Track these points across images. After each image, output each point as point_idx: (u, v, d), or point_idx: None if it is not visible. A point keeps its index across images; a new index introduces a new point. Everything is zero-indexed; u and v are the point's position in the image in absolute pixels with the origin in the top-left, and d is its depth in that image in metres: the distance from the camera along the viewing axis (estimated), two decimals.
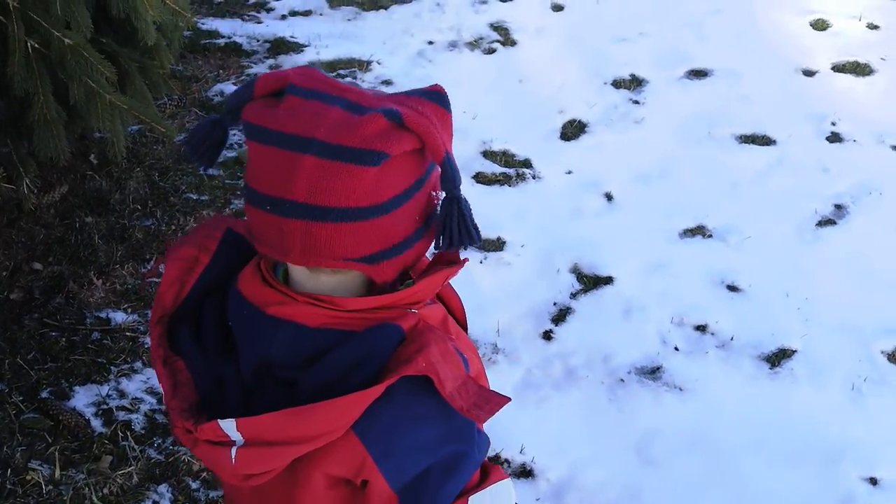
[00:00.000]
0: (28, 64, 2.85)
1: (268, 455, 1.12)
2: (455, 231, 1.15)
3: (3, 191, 2.93)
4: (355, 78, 4.41)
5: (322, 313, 1.14)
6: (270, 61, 4.55)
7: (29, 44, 2.84)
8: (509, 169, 3.84)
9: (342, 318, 1.15)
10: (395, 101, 1.16)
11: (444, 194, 1.16)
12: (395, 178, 1.13)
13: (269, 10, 5.01)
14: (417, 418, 1.16)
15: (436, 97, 1.24)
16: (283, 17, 4.94)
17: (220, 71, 4.44)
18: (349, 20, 4.92)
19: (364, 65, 4.51)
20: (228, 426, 1.11)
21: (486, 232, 3.48)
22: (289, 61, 4.53)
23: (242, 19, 4.90)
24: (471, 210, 1.16)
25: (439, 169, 1.15)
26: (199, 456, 1.19)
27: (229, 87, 4.29)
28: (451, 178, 1.14)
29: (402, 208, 1.15)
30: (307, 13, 4.99)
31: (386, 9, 5.01)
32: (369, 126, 1.09)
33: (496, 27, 4.83)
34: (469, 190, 3.62)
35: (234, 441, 1.12)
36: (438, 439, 1.17)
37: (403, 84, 4.35)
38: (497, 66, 4.55)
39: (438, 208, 1.17)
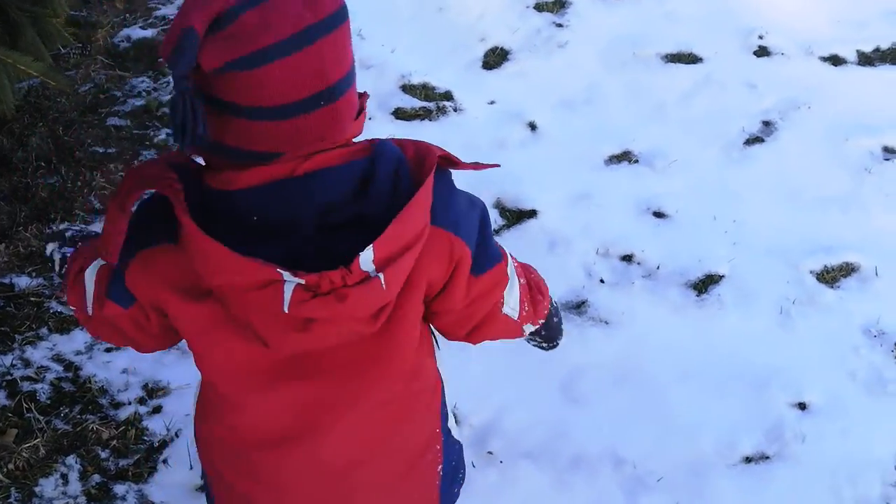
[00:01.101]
0: None
1: (399, 268, 1.22)
2: None
3: None
4: None
5: (337, 153, 1.23)
6: (179, 1, 4.35)
7: None
8: (429, 102, 3.72)
9: (350, 149, 1.24)
10: None
11: None
12: (345, 37, 1.24)
13: None
14: (453, 189, 1.36)
15: None
16: None
17: (127, 15, 4.24)
18: None
19: None
20: (366, 256, 1.18)
21: None
22: None
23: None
24: None
25: None
26: (322, 315, 1.23)
27: (137, 32, 4.10)
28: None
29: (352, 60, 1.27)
30: None
31: None
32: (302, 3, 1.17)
33: None
34: (388, 126, 3.53)
35: (368, 274, 1.19)
36: (469, 200, 1.38)
37: None
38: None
39: None
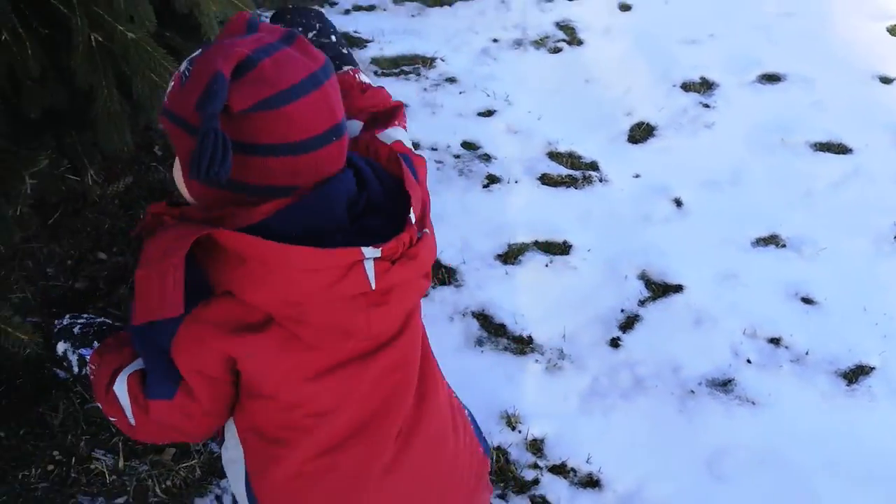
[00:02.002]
0: (91, 58, 2.82)
1: (430, 224, 1.48)
2: None
3: (69, 182, 2.92)
4: (419, 74, 4.36)
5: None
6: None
7: (93, 37, 2.81)
8: (575, 171, 3.77)
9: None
10: (278, 33, 1.39)
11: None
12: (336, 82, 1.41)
13: (332, 5, 4.98)
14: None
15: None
16: (347, 11, 4.90)
17: None
18: (413, 16, 4.87)
19: (428, 61, 4.45)
20: (411, 217, 1.39)
21: (552, 235, 3.42)
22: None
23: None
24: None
25: None
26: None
27: None
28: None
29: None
30: (371, 8, 4.94)
31: (450, 5, 4.95)
32: (314, 49, 1.37)
33: (562, 26, 4.76)
34: (534, 191, 3.59)
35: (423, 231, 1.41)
36: None
37: (468, 82, 4.30)
38: (563, 66, 4.47)
39: None
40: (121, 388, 1.48)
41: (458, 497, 1.75)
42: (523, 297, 3.14)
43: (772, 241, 3.44)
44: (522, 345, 2.98)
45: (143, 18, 2.80)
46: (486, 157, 3.82)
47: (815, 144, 3.92)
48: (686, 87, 4.28)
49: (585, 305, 3.13)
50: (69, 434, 2.62)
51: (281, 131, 1.31)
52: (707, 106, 4.16)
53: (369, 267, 1.35)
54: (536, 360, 2.93)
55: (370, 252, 1.33)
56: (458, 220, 3.46)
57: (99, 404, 1.56)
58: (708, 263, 3.31)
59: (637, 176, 3.76)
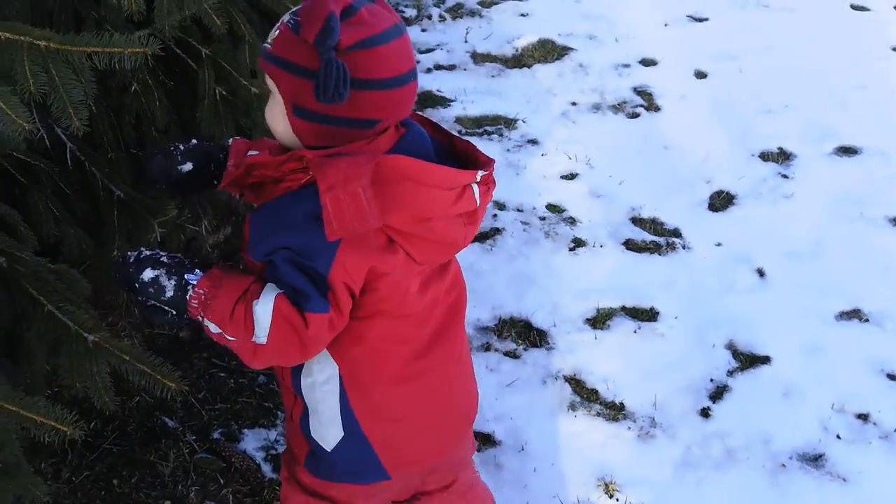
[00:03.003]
0: (216, 110, 2.95)
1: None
2: None
3: (188, 231, 3.03)
4: (502, 135, 4.47)
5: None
6: (418, 113, 4.62)
7: (217, 91, 2.94)
8: (659, 237, 3.85)
9: None
10: None
11: None
12: None
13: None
14: None
15: None
16: (429, 70, 5.03)
17: None
18: (493, 77, 4.99)
19: (510, 122, 4.56)
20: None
21: (639, 301, 3.49)
22: (435, 115, 4.61)
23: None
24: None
25: None
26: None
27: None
28: None
29: None
30: (452, 67, 5.07)
31: (529, 67, 5.07)
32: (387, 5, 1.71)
33: (639, 91, 4.86)
34: (619, 256, 3.67)
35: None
36: None
37: (549, 143, 4.40)
38: (641, 131, 4.56)
39: None
40: (265, 307, 1.69)
41: (463, 415, 2.13)
42: (614, 363, 3.20)
43: (854, 315, 3.49)
44: (615, 411, 3.05)
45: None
46: (571, 220, 3.90)
47: (894, 219, 3.97)
48: (764, 156, 4.36)
49: (675, 373, 3.19)
50: (179, 484, 2.71)
51: (375, 68, 1.63)
52: (785, 176, 4.23)
53: (475, 188, 1.76)
54: (629, 428, 2.99)
55: (479, 176, 1.75)
56: (546, 283, 3.55)
57: (210, 325, 1.76)
58: (793, 335, 3.37)
59: (719, 244, 3.83)
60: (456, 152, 1.84)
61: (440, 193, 1.70)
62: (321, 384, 1.87)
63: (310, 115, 1.68)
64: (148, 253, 1.84)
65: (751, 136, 4.49)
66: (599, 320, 3.39)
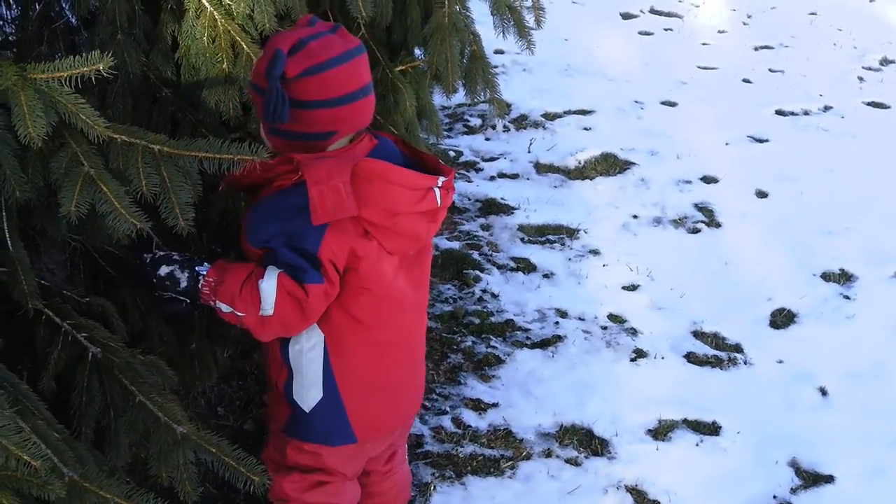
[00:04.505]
0: None
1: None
2: None
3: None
4: (563, 244, 4.55)
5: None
6: (481, 220, 4.74)
7: None
8: (721, 352, 3.87)
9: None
10: (319, 24, 2.15)
11: None
12: None
13: (478, 171, 5.25)
14: None
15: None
16: (492, 178, 5.16)
17: None
18: (555, 187, 5.10)
19: (572, 233, 4.65)
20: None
21: (700, 414, 3.50)
22: (499, 222, 4.72)
23: (454, 178, 5.13)
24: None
25: None
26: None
27: (443, 242, 4.48)
28: None
29: None
30: (515, 176, 5.20)
31: (591, 179, 5.18)
32: (349, 35, 2.12)
33: (700, 208, 4.94)
34: (680, 369, 3.69)
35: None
36: None
37: (610, 254, 4.47)
38: (702, 247, 4.63)
39: None
40: (269, 283, 2.06)
41: (417, 395, 2.55)
42: (676, 475, 3.21)
43: None
44: None
45: None
46: (633, 331, 3.95)
47: None
48: (826, 276, 4.39)
49: (737, 488, 3.18)
50: None
51: (322, 90, 2.03)
52: (847, 297, 4.25)
53: (437, 192, 2.13)
54: None
55: (440, 181, 2.14)
56: (607, 392, 3.58)
57: (222, 306, 2.14)
58: (856, 455, 3.35)
59: (780, 361, 3.84)
60: (424, 164, 2.24)
61: (406, 192, 2.09)
62: (307, 350, 2.23)
63: (279, 132, 2.10)
64: (161, 253, 2.23)
65: (812, 256, 4.53)
66: (661, 432, 3.41)
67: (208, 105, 2.56)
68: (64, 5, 2.64)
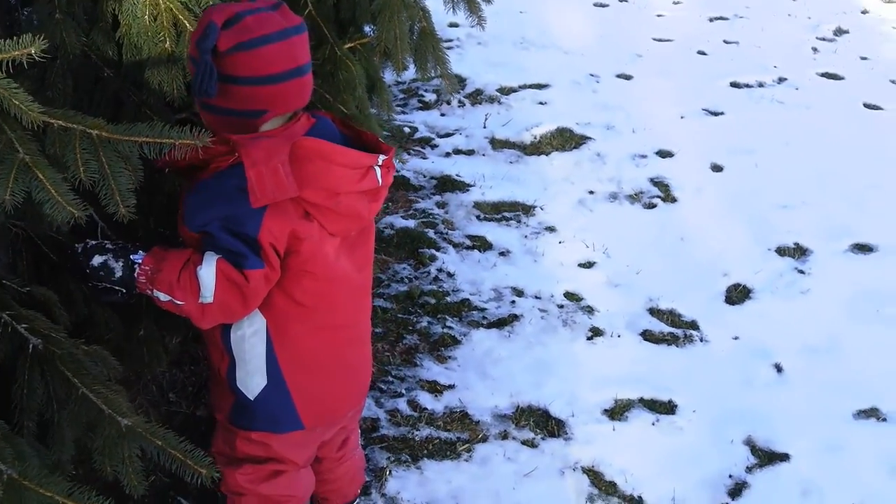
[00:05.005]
0: None
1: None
2: None
3: None
4: (520, 221, 4.51)
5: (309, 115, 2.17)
6: (437, 197, 4.69)
7: None
8: (676, 329, 3.86)
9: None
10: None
11: None
12: None
13: (433, 147, 5.19)
14: None
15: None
16: (448, 154, 5.11)
17: (389, 203, 4.59)
18: (511, 163, 5.06)
19: (528, 209, 4.61)
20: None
21: (657, 393, 3.49)
22: (454, 199, 4.67)
23: (408, 153, 5.08)
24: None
25: None
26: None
27: (398, 221, 4.42)
28: None
29: None
30: (470, 152, 5.15)
31: (546, 155, 5.14)
32: (290, 14, 2.04)
33: (656, 182, 4.92)
34: (637, 347, 3.68)
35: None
36: None
37: (566, 231, 4.45)
38: (658, 222, 4.61)
39: None
40: (208, 270, 2.00)
41: (364, 378, 2.51)
42: (632, 455, 3.20)
43: (872, 413, 3.49)
44: None
45: None
46: (589, 309, 3.93)
47: None
48: (781, 251, 4.40)
49: (693, 467, 3.18)
50: None
51: (252, 66, 1.96)
52: (802, 272, 4.26)
53: (378, 170, 2.11)
54: None
55: (380, 159, 2.11)
56: (564, 372, 3.55)
57: (160, 295, 2.06)
58: (812, 433, 3.36)
59: (736, 338, 3.84)
60: (364, 142, 2.20)
61: (346, 172, 2.05)
62: (249, 336, 2.17)
63: (210, 108, 2.05)
64: (94, 243, 2.14)
65: (767, 230, 4.54)
66: (618, 411, 3.40)
67: (151, 85, 2.48)
68: None
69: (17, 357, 2.05)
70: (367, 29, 2.83)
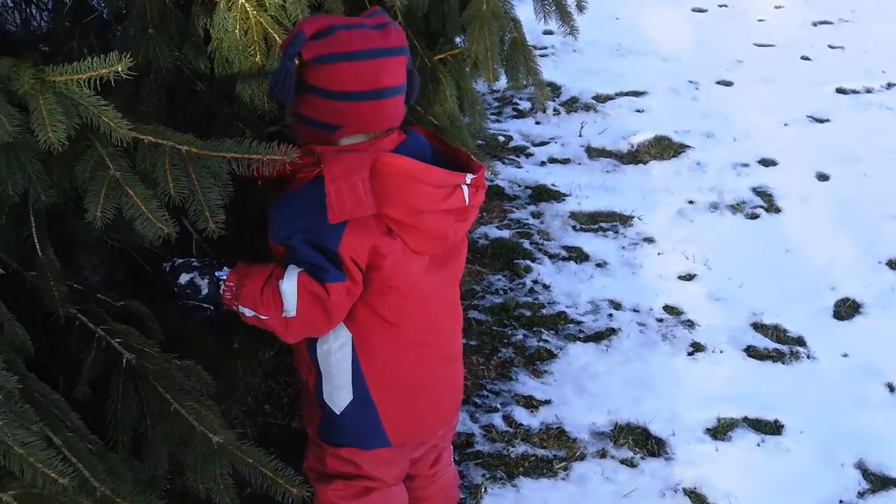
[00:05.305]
0: None
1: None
2: (416, 89, 2.14)
3: None
4: (617, 232, 4.41)
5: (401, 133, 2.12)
6: (532, 207, 4.62)
7: None
8: (782, 345, 3.71)
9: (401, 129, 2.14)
10: (377, 18, 2.06)
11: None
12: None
13: (528, 156, 5.12)
14: None
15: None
16: (543, 163, 5.03)
17: (484, 213, 4.53)
18: (608, 172, 4.96)
19: (625, 220, 4.51)
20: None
21: (762, 412, 3.35)
22: (550, 209, 4.59)
23: (503, 163, 5.02)
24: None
25: None
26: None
27: (493, 231, 4.36)
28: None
29: None
30: (566, 161, 5.07)
31: (644, 163, 5.03)
32: (396, 33, 2.01)
33: (759, 192, 4.76)
34: (740, 363, 3.54)
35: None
36: None
37: (665, 242, 4.33)
38: (761, 233, 4.46)
39: None
40: (290, 284, 1.98)
41: (455, 396, 2.44)
42: (736, 477, 3.06)
43: None
44: None
45: None
46: (690, 324, 3.80)
47: None
48: (892, 264, 4.21)
49: (801, 492, 3.03)
50: None
51: (328, 80, 1.94)
52: None
53: (465, 189, 2.03)
54: None
55: (468, 178, 2.03)
56: (664, 389, 3.44)
57: (245, 310, 2.06)
58: None
59: (845, 355, 3.68)
60: (456, 159, 2.14)
61: (431, 190, 2.00)
62: (335, 350, 2.15)
63: (296, 115, 2.07)
64: (181, 261, 2.15)
65: (877, 242, 4.34)
66: (720, 431, 3.27)
67: (243, 99, 2.48)
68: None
69: (112, 372, 2.05)
70: (457, 40, 2.78)
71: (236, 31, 2.38)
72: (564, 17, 2.84)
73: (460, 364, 2.44)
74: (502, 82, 3.00)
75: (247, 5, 2.36)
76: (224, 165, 1.87)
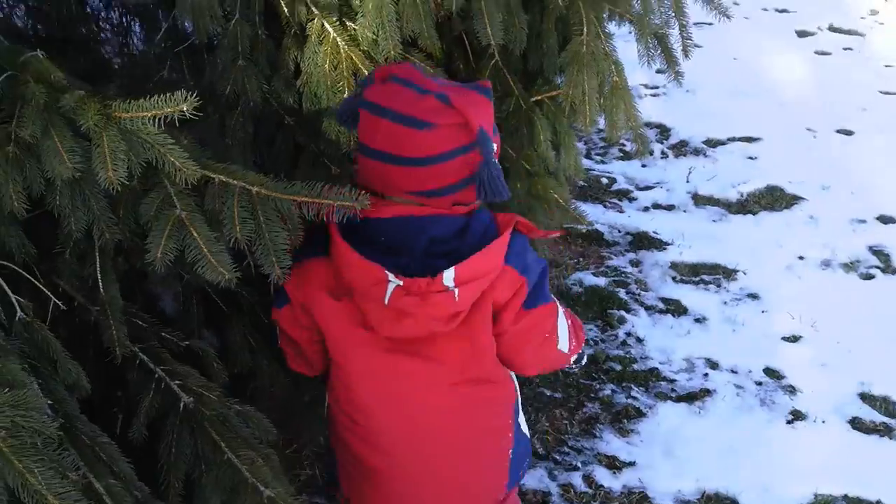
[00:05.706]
0: None
1: (470, 290, 1.76)
2: (486, 186, 1.78)
3: None
4: (719, 286, 4.21)
5: (446, 209, 1.81)
6: (631, 255, 4.45)
7: None
8: (891, 419, 3.46)
9: (456, 209, 1.82)
10: (450, 88, 1.80)
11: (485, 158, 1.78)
12: (444, 140, 1.76)
13: (631, 200, 4.95)
14: (526, 246, 1.85)
15: (482, 89, 1.83)
16: (646, 209, 4.86)
17: (581, 259, 4.38)
18: (714, 221, 4.75)
19: (729, 273, 4.30)
20: (449, 274, 1.73)
21: (864, 491, 3.12)
22: (649, 258, 4.41)
23: (604, 206, 4.86)
24: (500, 172, 1.80)
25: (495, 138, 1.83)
26: (414, 309, 1.77)
27: (588, 277, 4.21)
28: (484, 147, 1.77)
29: (449, 162, 1.77)
30: (670, 208, 4.88)
31: (754, 214, 4.81)
32: (425, 103, 1.76)
33: (875, 251, 4.50)
34: (844, 436, 3.31)
35: (447, 287, 1.74)
36: (535, 258, 1.86)
37: (771, 299, 4.11)
38: (876, 295, 4.20)
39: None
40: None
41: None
42: None
43: None
44: None
45: None
46: (791, 389, 3.58)
47: None
48: None
49: None
50: None
51: (362, 128, 1.83)
52: None
53: (390, 288, 1.76)
54: None
55: (392, 278, 1.75)
56: (759, 458, 3.23)
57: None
58: None
59: None
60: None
61: (357, 273, 1.81)
62: None
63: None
64: None
65: None
66: None
67: (329, 135, 2.42)
68: (188, 26, 2.53)
69: (168, 414, 1.99)
70: (558, 80, 2.66)
71: (326, 64, 2.32)
72: (670, 61, 2.69)
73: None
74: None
75: (338, 39, 2.31)
76: (294, 208, 1.79)
